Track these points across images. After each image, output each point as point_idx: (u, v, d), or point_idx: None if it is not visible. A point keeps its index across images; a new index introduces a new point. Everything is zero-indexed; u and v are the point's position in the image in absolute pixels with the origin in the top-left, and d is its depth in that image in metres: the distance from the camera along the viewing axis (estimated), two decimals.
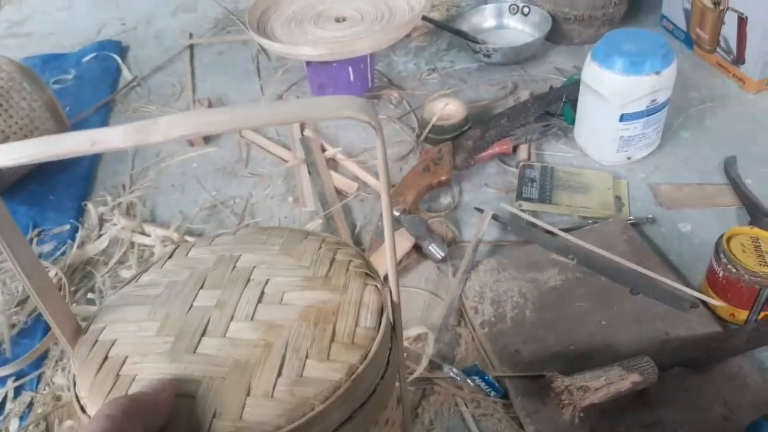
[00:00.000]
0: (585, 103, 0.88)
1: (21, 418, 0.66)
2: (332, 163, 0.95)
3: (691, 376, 0.60)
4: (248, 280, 0.40)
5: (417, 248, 0.78)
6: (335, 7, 1.07)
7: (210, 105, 1.11)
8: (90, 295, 0.78)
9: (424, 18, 1.17)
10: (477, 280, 0.73)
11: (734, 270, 0.63)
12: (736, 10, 0.96)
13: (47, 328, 0.74)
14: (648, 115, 0.83)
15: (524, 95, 1.03)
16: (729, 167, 0.85)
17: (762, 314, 0.65)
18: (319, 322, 0.37)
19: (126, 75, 1.22)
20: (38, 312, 0.76)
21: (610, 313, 0.67)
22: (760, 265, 0.63)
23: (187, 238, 0.84)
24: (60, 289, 0.77)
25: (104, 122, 1.10)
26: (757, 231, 0.67)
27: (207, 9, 1.44)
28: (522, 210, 0.82)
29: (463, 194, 0.88)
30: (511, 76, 1.10)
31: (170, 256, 0.44)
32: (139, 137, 0.29)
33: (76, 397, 0.35)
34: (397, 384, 0.41)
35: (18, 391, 0.69)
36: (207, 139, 1.02)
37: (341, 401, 0.34)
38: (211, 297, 0.39)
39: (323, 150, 0.96)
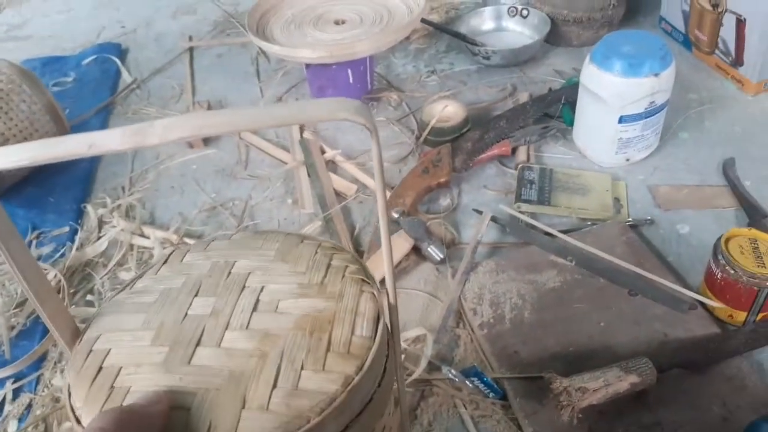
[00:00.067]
0: (584, 105, 0.88)
1: (20, 420, 0.66)
2: (331, 165, 0.95)
3: (689, 378, 0.60)
4: (243, 287, 0.40)
5: (416, 250, 0.78)
6: (334, 10, 1.07)
7: (209, 107, 1.11)
8: (89, 297, 0.78)
9: (423, 20, 1.17)
10: (476, 281, 0.73)
11: (732, 271, 0.63)
12: (734, 12, 0.96)
13: (46, 330, 0.74)
14: (647, 117, 0.83)
15: (523, 97, 1.03)
16: (727, 169, 0.86)
17: (760, 315, 0.65)
18: (315, 331, 0.37)
19: (126, 77, 1.22)
20: (37, 314, 0.76)
21: (609, 315, 0.67)
22: (759, 266, 0.63)
23: (187, 240, 0.84)
24: (59, 291, 0.77)
25: (104, 124, 1.10)
26: (755, 232, 0.67)
27: (206, 12, 1.44)
28: (521, 212, 0.82)
29: (462, 196, 0.88)
30: (510, 78, 1.10)
31: (165, 262, 0.43)
32: (136, 140, 0.29)
33: (71, 407, 0.35)
34: (395, 386, 0.41)
35: (17, 392, 0.69)
36: (206, 141, 1.02)
37: (337, 413, 0.33)
38: (205, 305, 0.39)
39: (322, 152, 0.96)
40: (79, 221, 0.90)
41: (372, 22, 1.03)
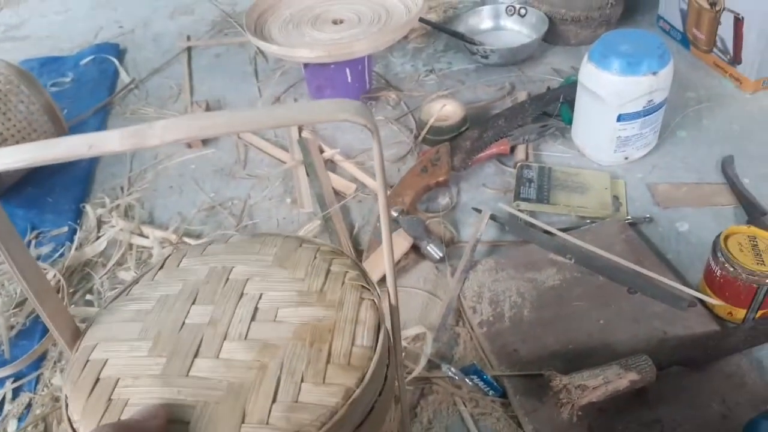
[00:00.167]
0: (582, 103, 0.88)
1: (19, 419, 0.66)
2: (330, 164, 0.95)
3: (689, 375, 0.61)
4: (241, 294, 0.39)
5: (415, 248, 0.78)
6: (332, 10, 1.07)
7: (208, 107, 1.11)
8: (88, 297, 0.78)
9: (422, 20, 1.17)
10: (475, 280, 0.73)
11: (732, 269, 0.64)
12: (732, 11, 0.97)
13: (45, 330, 0.74)
14: (645, 116, 0.83)
15: (522, 96, 1.03)
16: (726, 166, 0.86)
17: (759, 312, 0.65)
18: (315, 341, 0.36)
19: (124, 77, 1.22)
20: (36, 314, 0.76)
21: (608, 313, 0.67)
22: (758, 263, 0.63)
23: (186, 239, 0.84)
24: (58, 291, 0.77)
25: (102, 125, 1.10)
26: (754, 230, 0.67)
27: (204, 12, 1.44)
28: (520, 210, 0.82)
29: (461, 195, 0.88)
30: (509, 77, 1.10)
31: (161, 267, 0.43)
32: (135, 141, 0.29)
33: (69, 419, 0.35)
34: (396, 384, 0.41)
35: (16, 392, 0.69)
36: (205, 141, 1.02)
37: (338, 426, 0.33)
38: (203, 313, 0.38)
39: (321, 151, 0.96)
40: (78, 221, 0.90)
41: (370, 22, 1.03)
